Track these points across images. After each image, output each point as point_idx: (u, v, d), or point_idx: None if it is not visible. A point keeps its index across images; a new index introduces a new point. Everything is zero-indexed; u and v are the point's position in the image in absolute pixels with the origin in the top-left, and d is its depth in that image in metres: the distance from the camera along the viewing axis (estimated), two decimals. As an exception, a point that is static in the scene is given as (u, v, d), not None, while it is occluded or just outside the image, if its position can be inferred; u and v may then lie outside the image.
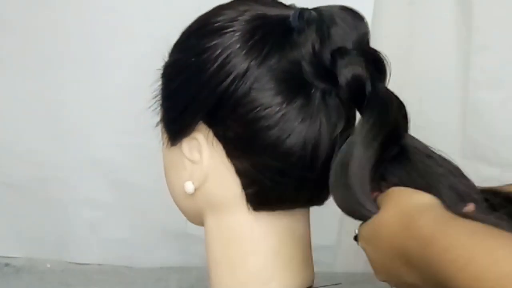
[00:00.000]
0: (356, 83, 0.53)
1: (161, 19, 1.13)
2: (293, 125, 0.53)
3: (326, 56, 0.54)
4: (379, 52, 0.56)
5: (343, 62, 0.53)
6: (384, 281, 0.52)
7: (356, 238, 0.54)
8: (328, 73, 0.54)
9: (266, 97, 0.53)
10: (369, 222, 0.52)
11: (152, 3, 1.22)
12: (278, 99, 0.53)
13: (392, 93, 0.55)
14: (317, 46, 0.54)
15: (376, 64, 0.55)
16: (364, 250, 0.53)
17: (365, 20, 0.56)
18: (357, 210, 0.52)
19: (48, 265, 1.38)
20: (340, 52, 0.54)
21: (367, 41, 0.56)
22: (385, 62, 0.56)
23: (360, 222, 0.53)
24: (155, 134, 0.63)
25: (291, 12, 0.55)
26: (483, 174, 1.17)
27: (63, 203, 1.37)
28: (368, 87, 0.53)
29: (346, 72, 0.53)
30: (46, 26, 1.27)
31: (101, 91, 1.28)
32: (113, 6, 1.24)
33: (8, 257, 1.40)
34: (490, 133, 1.11)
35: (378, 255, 0.51)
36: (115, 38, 1.25)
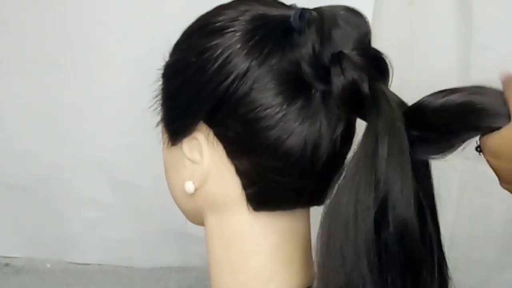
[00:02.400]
0: (349, 91, 0.52)
1: (162, 19, 1.14)
2: (293, 126, 0.53)
3: (326, 57, 0.53)
4: (380, 53, 0.56)
5: (336, 70, 0.53)
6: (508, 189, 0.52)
7: (477, 149, 0.52)
8: (327, 75, 0.53)
9: (267, 97, 0.53)
10: (498, 135, 0.50)
11: (153, 3, 1.22)
12: (279, 100, 0.53)
13: (392, 92, 0.55)
14: (317, 47, 0.53)
15: (377, 65, 0.55)
16: (489, 162, 0.52)
17: (367, 20, 0.56)
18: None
19: (48, 265, 1.39)
20: (333, 59, 0.53)
21: (368, 41, 0.56)
22: (386, 62, 0.55)
23: None
24: (155, 134, 0.63)
25: (292, 12, 0.55)
26: (483, 174, 1.17)
27: (63, 203, 1.37)
28: (365, 90, 0.53)
29: (338, 81, 0.52)
30: (46, 26, 1.27)
31: (101, 91, 1.29)
32: (114, 6, 1.24)
33: (8, 257, 1.41)
34: (490, 133, 1.11)
35: (508, 166, 0.50)
36: (115, 38, 1.26)
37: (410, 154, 0.51)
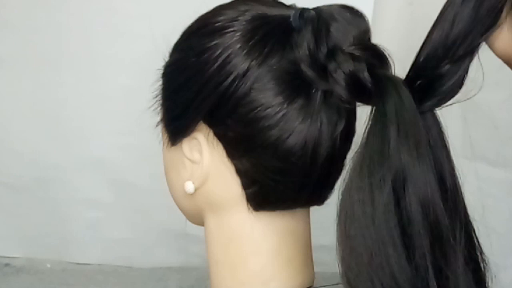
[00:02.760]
0: (351, 83, 0.52)
1: (162, 18, 1.13)
2: (294, 125, 0.53)
3: (323, 56, 0.53)
4: (379, 46, 0.55)
5: (332, 66, 0.52)
6: None
7: None
8: (326, 73, 0.53)
9: (267, 97, 0.53)
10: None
11: (152, 3, 1.22)
12: (279, 99, 0.53)
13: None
14: (312, 46, 0.53)
15: (377, 57, 0.54)
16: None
17: (366, 18, 0.56)
18: None
19: (48, 265, 1.39)
20: (328, 56, 0.53)
21: (368, 38, 0.56)
22: (386, 55, 0.55)
23: None
24: (155, 134, 0.63)
25: (291, 12, 0.55)
26: (483, 174, 1.17)
27: (63, 203, 1.37)
28: (366, 78, 0.52)
29: (338, 77, 0.52)
30: (46, 26, 1.27)
31: (101, 91, 1.29)
32: (114, 6, 1.24)
33: (8, 257, 1.41)
34: (490, 133, 1.11)
35: None
36: (116, 38, 1.26)
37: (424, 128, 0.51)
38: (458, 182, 0.54)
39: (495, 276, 0.58)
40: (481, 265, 0.54)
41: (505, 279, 1.21)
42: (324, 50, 0.53)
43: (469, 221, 0.54)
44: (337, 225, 0.51)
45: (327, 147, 0.54)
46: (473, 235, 0.54)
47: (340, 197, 0.52)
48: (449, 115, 1.20)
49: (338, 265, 0.51)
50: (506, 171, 1.14)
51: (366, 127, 0.52)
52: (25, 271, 1.37)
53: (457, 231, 0.51)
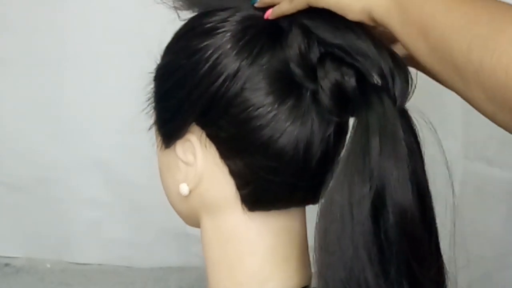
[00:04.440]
0: (336, 93, 0.52)
1: (164, 19, 1.13)
2: (285, 125, 0.53)
3: (315, 56, 0.53)
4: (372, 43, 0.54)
5: (321, 73, 0.53)
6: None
7: None
8: (314, 73, 0.53)
9: (258, 96, 0.53)
10: None
11: (152, 5, 1.22)
12: (270, 99, 0.53)
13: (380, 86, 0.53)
14: (303, 47, 0.53)
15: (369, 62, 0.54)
16: None
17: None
18: None
19: (48, 265, 1.39)
20: (319, 60, 0.53)
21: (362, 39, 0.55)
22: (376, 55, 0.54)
23: None
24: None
25: None
26: (483, 174, 1.17)
27: (63, 203, 1.37)
28: (351, 87, 0.52)
29: (324, 84, 0.52)
30: (46, 26, 1.27)
31: (101, 91, 1.29)
32: (113, 7, 1.24)
33: (8, 257, 1.41)
34: (490, 133, 1.10)
35: None
36: (116, 38, 1.26)
37: (404, 141, 0.50)
38: (429, 187, 0.53)
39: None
40: (445, 277, 0.54)
41: (505, 279, 1.21)
42: (315, 52, 0.53)
43: (437, 229, 0.54)
44: (315, 240, 0.52)
45: (320, 146, 0.54)
46: (439, 244, 0.54)
47: (319, 213, 0.52)
48: (449, 116, 1.20)
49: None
50: (506, 171, 1.14)
51: (347, 141, 0.52)
52: (25, 271, 1.37)
53: (432, 243, 0.52)
